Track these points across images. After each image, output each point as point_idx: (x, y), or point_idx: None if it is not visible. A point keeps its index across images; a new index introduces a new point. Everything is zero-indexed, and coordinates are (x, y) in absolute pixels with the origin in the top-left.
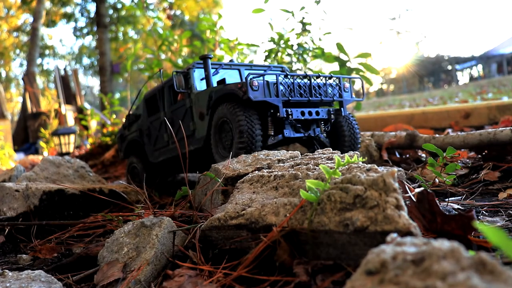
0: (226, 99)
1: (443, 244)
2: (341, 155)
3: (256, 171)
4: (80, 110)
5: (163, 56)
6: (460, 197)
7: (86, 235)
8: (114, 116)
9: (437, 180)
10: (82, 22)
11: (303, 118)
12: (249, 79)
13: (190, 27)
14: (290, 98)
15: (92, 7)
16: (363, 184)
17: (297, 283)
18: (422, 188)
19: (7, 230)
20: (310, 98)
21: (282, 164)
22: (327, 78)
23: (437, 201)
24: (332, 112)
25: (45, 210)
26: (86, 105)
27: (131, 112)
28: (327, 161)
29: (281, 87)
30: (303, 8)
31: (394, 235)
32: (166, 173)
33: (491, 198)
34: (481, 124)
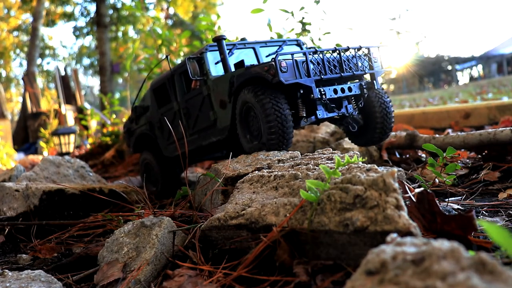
0: (249, 83)
1: (443, 244)
2: (341, 155)
3: (256, 171)
4: (80, 110)
5: (162, 56)
6: (460, 197)
7: (86, 235)
8: (114, 116)
9: (437, 180)
10: (82, 22)
11: (336, 96)
12: (277, 59)
13: (190, 27)
14: (322, 76)
15: (92, 7)
16: (363, 184)
17: (297, 283)
18: (422, 188)
19: (7, 230)
20: (342, 74)
21: (282, 164)
22: (356, 50)
23: (437, 201)
24: (364, 87)
25: (45, 210)
26: (86, 105)
27: (137, 104)
28: (327, 161)
29: (311, 65)
30: (302, 8)
31: (394, 235)
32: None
33: (491, 198)
34: (481, 124)
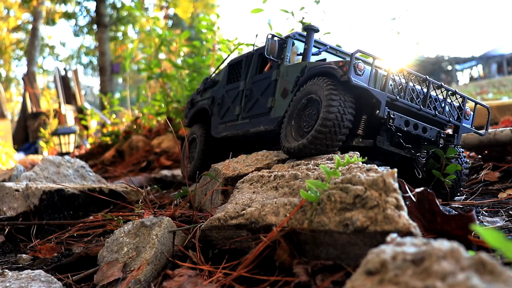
0: (320, 76)
1: (443, 244)
2: (341, 155)
3: (256, 171)
4: (80, 110)
5: (162, 56)
6: (460, 197)
7: (86, 235)
8: (114, 116)
9: None
10: (82, 21)
11: (405, 129)
12: (354, 58)
13: (187, 28)
14: (398, 97)
15: (92, 6)
16: (363, 184)
17: (297, 283)
18: (422, 188)
19: (7, 230)
20: (422, 107)
21: (282, 164)
22: (449, 92)
23: (437, 201)
24: (442, 136)
25: (45, 210)
26: (86, 105)
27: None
28: (327, 161)
29: (390, 81)
30: (302, 8)
31: (394, 235)
32: (224, 153)
33: (491, 198)
34: (481, 124)
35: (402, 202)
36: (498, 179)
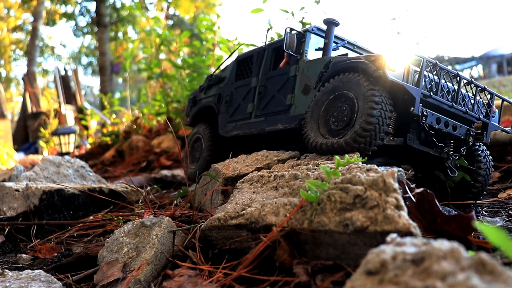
0: (347, 71)
1: (443, 244)
2: (341, 155)
3: (256, 171)
4: (80, 110)
5: (162, 56)
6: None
7: (86, 235)
8: (114, 116)
9: None
10: (83, 22)
11: (436, 126)
12: (389, 53)
13: (189, 27)
14: (431, 93)
15: (92, 7)
16: (363, 184)
17: (297, 283)
18: (422, 188)
19: (7, 229)
20: (453, 104)
21: (282, 164)
22: (477, 89)
23: (437, 201)
24: (471, 134)
25: (45, 210)
26: (86, 105)
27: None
28: (327, 161)
29: (423, 77)
30: (302, 8)
31: (394, 235)
32: (235, 153)
33: (491, 198)
34: None
35: (402, 202)
36: (498, 179)
